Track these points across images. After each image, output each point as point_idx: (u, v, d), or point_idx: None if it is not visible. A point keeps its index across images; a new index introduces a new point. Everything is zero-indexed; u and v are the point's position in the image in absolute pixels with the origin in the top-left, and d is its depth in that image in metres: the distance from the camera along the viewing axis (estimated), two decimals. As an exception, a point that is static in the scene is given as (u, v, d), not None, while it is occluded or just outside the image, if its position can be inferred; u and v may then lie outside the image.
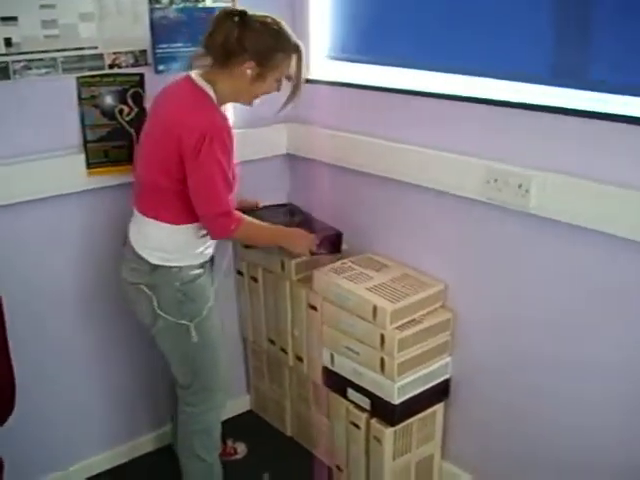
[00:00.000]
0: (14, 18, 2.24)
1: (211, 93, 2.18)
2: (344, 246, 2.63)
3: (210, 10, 2.58)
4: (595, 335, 2.10)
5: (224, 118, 2.19)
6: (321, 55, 2.87)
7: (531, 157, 2.11)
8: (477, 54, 2.29)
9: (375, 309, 2.34)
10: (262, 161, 2.86)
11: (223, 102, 2.24)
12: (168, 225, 2.24)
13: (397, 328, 2.34)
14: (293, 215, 2.80)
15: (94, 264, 2.61)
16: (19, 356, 2.12)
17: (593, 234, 1.98)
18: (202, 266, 2.34)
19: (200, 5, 2.58)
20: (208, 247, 2.35)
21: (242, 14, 2.11)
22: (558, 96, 2.08)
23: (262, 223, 2.40)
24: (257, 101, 2.28)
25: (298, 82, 2.24)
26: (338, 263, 2.63)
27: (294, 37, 2.19)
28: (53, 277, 2.54)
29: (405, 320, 2.38)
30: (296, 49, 2.20)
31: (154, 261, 2.24)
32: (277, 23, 2.16)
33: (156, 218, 2.24)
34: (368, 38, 2.70)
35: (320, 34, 2.84)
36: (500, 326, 2.37)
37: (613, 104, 1.96)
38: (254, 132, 2.77)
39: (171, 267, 2.25)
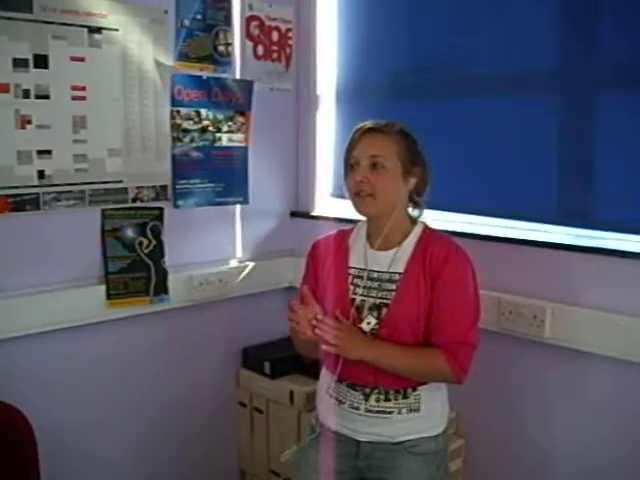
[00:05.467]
0: (49, 152, 2.30)
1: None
2: None
3: (227, 148, 2.72)
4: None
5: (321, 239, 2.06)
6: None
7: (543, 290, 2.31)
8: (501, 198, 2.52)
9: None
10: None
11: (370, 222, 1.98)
12: None
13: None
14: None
15: (110, 393, 2.57)
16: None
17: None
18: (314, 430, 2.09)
19: (217, 144, 2.70)
20: (323, 404, 2.05)
21: None
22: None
23: None
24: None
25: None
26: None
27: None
28: (72, 406, 2.47)
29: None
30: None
31: None
32: None
33: None
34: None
35: (325, 175, 3.05)
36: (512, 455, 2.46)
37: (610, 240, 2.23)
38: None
39: None
